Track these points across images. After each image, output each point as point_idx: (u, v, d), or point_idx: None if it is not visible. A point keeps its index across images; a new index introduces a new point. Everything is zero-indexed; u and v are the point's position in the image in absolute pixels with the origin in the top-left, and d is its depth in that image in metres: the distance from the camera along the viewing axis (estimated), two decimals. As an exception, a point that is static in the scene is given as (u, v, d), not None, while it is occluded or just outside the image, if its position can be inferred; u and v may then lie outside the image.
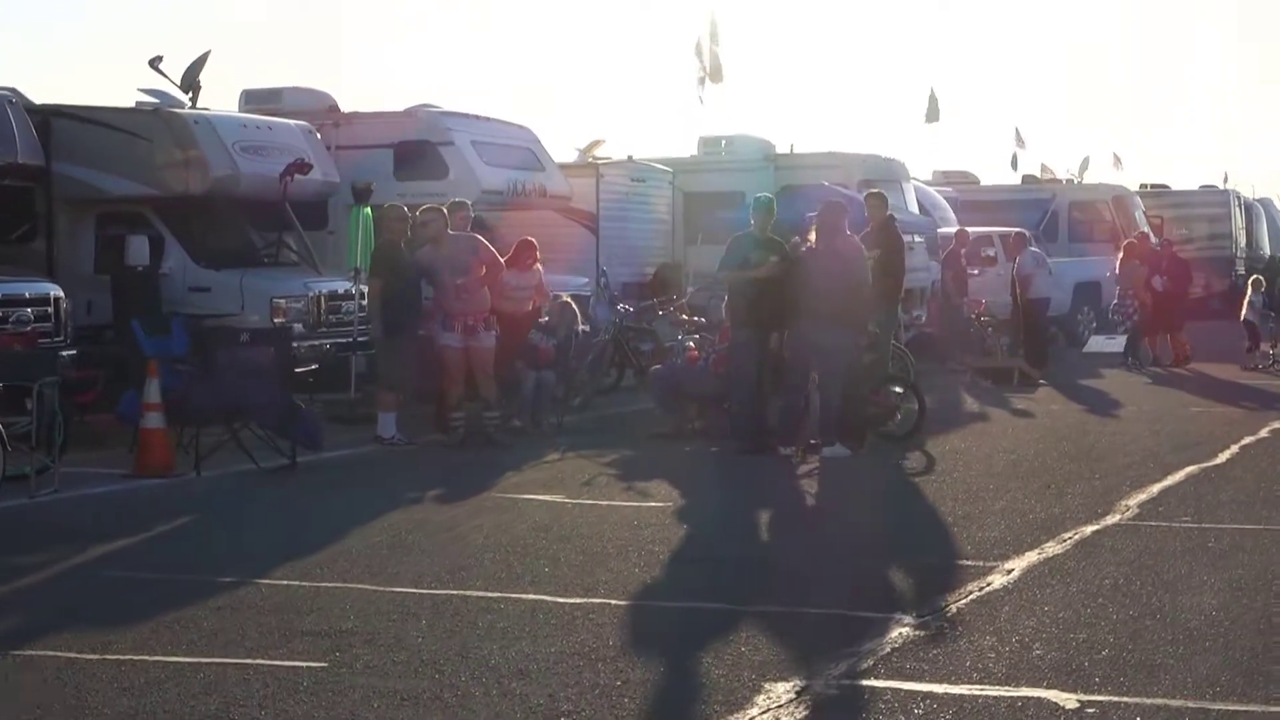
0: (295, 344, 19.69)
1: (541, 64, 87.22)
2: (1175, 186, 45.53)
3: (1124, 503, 12.65)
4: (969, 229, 31.52)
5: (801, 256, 15.77)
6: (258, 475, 14.19)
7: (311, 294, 19.90)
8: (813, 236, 15.80)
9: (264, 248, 21.40)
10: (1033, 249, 28.01)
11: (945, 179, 40.95)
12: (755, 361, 15.90)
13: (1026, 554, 10.49)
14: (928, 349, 27.39)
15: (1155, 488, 13.45)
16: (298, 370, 19.46)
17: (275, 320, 19.64)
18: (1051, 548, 10.72)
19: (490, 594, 9.28)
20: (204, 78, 25.12)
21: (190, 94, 25.11)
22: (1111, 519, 11.95)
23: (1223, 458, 15.54)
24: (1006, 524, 11.70)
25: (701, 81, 33.02)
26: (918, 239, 28.55)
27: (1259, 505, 12.65)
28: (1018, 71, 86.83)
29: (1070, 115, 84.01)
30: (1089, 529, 11.47)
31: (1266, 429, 17.87)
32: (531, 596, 9.21)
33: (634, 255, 27.08)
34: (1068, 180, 42.30)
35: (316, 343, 19.43)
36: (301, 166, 20.53)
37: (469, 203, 18.01)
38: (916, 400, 17.37)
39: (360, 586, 9.53)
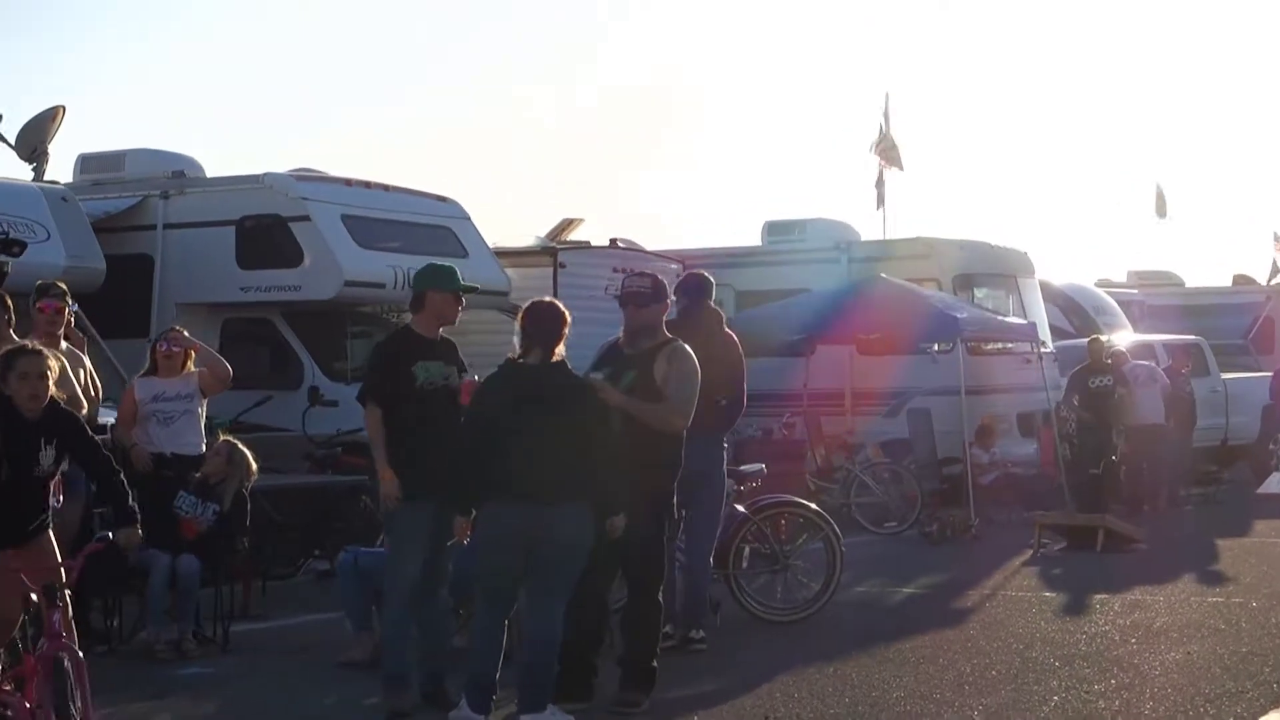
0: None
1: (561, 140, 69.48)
2: None
3: None
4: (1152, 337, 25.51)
5: (494, 376, 9.13)
6: None
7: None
8: (515, 339, 9.17)
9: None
10: (1142, 362, 20.78)
11: (1139, 280, 34.22)
12: (416, 558, 9.24)
13: None
14: (1014, 495, 20.21)
15: None
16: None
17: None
18: None
19: None
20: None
21: (34, 165, 19.92)
22: None
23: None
24: None
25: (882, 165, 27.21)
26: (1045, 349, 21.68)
27: None
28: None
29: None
30: None
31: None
32: None
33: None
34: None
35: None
36: (7, 244, 14.63)
37: (62, 286, 11.64)
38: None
39: None
